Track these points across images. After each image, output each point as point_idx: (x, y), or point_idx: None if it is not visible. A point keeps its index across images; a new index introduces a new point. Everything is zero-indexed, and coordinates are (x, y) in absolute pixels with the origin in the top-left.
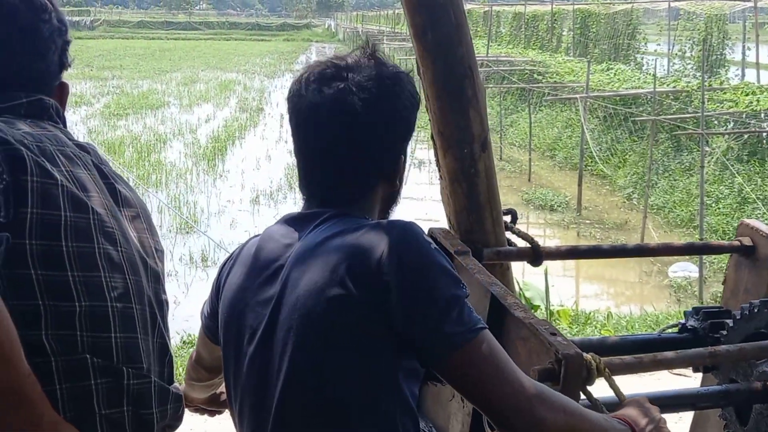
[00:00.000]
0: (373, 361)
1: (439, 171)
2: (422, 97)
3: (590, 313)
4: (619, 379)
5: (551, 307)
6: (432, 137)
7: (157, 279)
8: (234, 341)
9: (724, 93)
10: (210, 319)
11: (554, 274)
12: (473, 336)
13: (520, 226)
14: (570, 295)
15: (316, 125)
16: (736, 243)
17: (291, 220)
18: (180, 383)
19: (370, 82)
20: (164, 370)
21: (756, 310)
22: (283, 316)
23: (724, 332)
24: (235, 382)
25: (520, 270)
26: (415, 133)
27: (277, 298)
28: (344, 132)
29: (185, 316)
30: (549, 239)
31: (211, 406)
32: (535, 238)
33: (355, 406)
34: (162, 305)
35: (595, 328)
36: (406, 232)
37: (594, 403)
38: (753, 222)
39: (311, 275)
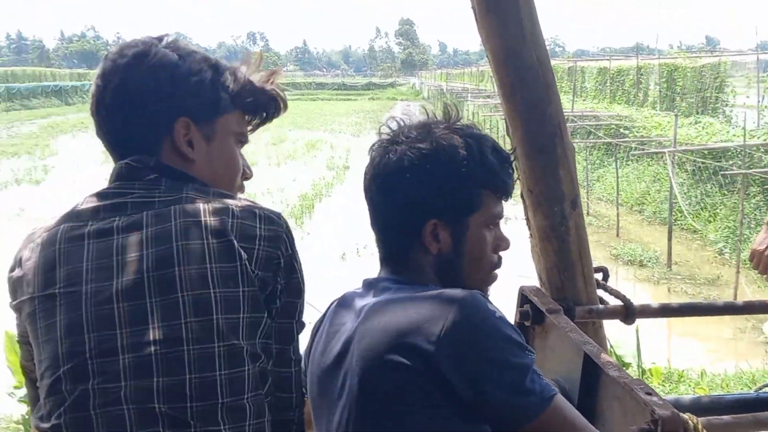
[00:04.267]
0: (430, 427)
1: (529, 229)
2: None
3: (683, 371)
4: None
5: (642, 365)
6: (521, 195)
7: None
8: (318, 406)
9: None
10: (302, 376)
11: (645, 331)
12: (547, 404)
13: (609, 281)
14: (662, 352)
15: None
16: None
17: (364, 284)
18: None
19: (398, 154)
20: None
21: None
22: (349, 381)
23: None
24: None
25: (609, 326)
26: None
27: (346, 363)
28: (378, 199)
29: None
30: (639, 295)
31: None
32: (625, 295)
33: None
34: None
35: (689, 386)
36: (469, 304)
37: None
38: None
39: (371, 341)
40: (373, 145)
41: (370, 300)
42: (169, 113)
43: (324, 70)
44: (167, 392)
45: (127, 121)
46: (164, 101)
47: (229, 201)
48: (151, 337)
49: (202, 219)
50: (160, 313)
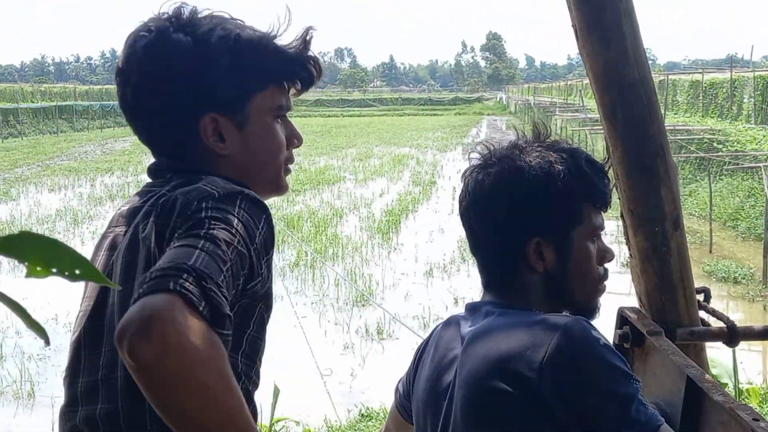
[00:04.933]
0: None
1: (629, 249)
2: (612, 175)
3: None
4: None
5: (740, 385)
6: (621, 215)
7: None
8: (424, 430)
9: None
10: (405, 398)
11: (738, 348)
12: None
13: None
14: (755, 370)
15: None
16: None
17: (468, 309)
18: None
19: (490, 170)
20: None
21: None
22: (453, 408)
23: None
24: None
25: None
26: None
27: (450, 389)
28: (478, 224)
29: (362, 389)
30: (733, 313)
31: None
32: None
33: None
34: None
35: None
36: (572, 331)
37: None
38: None
39: (472, 368)
40: (466, 170)
41: (472, 326)
42: (192, 111)
43: (410, 85)
44: (106, 420)
45: (152, 123)
46: (185, 99)
47: (171, 194)
48: (101, 362)
49: (140, 225)
50: (108, 336)
